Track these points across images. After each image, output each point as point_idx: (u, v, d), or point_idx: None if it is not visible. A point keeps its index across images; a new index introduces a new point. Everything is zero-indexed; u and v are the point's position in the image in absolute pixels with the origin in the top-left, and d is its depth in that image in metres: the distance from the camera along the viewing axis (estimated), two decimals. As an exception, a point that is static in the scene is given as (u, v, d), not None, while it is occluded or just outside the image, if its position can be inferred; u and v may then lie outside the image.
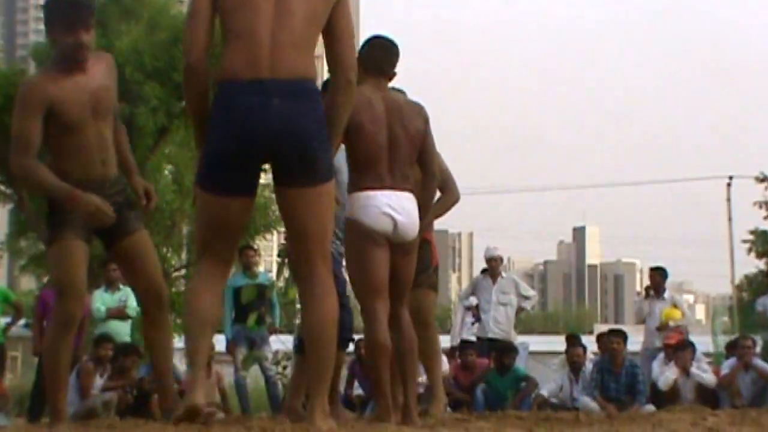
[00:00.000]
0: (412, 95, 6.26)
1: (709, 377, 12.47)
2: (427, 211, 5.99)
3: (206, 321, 4.77)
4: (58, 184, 5.48)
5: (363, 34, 6.20)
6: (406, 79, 6.56)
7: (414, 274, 5.93)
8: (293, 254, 4.87)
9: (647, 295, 14.25)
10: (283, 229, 28.87)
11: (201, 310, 4.77)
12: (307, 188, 4.60)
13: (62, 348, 5.71)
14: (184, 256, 27.83)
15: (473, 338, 13.61)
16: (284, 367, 15.72)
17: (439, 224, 7.34)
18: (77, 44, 5.49)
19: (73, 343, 5.89)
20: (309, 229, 4.64)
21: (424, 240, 6.60)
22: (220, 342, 13.64)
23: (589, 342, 14.39)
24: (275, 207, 26.29)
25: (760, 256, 32.94)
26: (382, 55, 5.59)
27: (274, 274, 11.36)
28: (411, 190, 5.78)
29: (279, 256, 9.68)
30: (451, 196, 6.93)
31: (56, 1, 5.58)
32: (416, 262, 5.96)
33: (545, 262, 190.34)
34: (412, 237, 5.80)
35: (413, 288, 6.11)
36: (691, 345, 12.83)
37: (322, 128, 4.64)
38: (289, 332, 16.54)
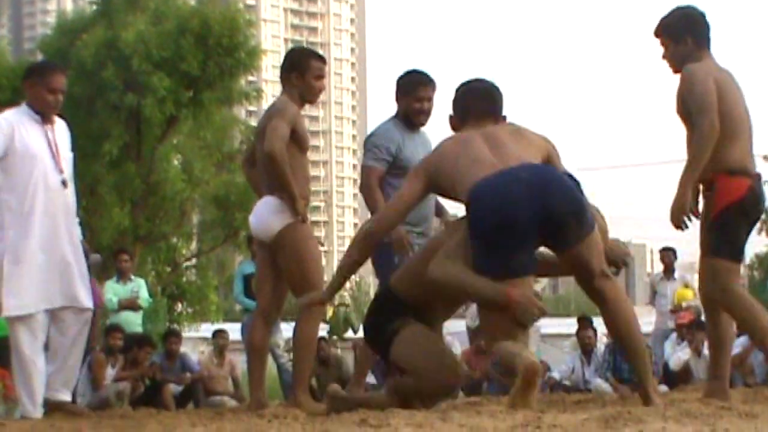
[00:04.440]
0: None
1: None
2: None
3: None
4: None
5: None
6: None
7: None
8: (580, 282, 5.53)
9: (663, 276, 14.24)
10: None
11: None
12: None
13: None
14: (194, 245, 27.83)
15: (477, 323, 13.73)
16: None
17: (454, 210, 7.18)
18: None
19: None
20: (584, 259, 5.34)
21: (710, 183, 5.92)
22: (234, 331, 13.68)
23: (600, 324, 14.37)
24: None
25: (771, 235, 32.88)
26: None
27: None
28: (272, 194, 6.43)
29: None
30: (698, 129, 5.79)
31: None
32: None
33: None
34: (264, 236, 6.44)
35: (702, 257, 5.94)
36: (702, 325, 12.80)
37: None
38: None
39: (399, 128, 7.05)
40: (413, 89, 7.07)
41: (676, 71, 6.01)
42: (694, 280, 15.50)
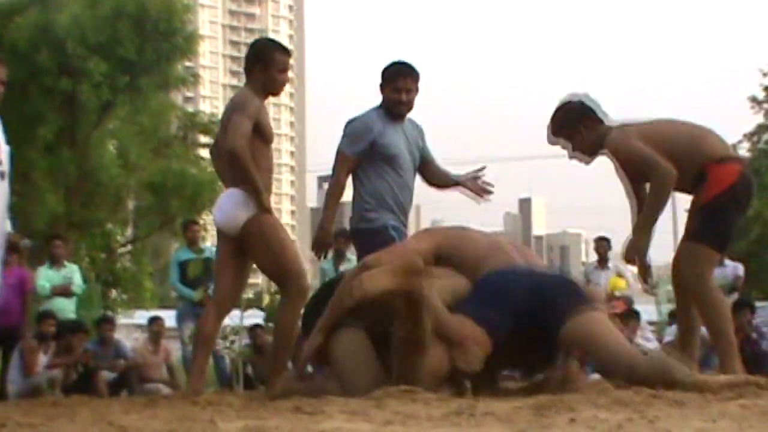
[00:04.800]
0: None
1: (653, 346, 12.59)
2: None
3: None
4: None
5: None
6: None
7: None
8: None
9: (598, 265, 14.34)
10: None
11: None
12: None
13: None
14: (129, 232, 27.66)
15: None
16: (231, 342, 15.67)
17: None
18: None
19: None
20: None
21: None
22: (169, 318, 13.62)
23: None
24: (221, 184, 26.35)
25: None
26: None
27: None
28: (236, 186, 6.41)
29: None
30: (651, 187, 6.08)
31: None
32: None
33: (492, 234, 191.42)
34: (229, 229, 6.41)
35: (683, 240, 6.01)
36: (636, 314, 12.95)
37: None
38: (237, 307, 16.46)
39: (381, 117, 7.07)
40: (392, 79, 7.08)
41: (592, 155, 6.25)
42: (628, 269, 15.69)
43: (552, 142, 6.37)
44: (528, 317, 5.21)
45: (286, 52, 6.73)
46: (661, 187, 5.92)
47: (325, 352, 5.44)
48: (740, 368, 5.88)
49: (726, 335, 5.93)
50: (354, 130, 7.04)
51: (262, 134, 6.48)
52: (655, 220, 6.06)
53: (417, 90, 7.14)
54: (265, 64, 6.58)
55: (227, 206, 6.46)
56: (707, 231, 5.88)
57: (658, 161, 5.87)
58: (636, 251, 6.12)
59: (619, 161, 6.04)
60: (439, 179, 7.41)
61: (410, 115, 7.25)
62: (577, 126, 6.22)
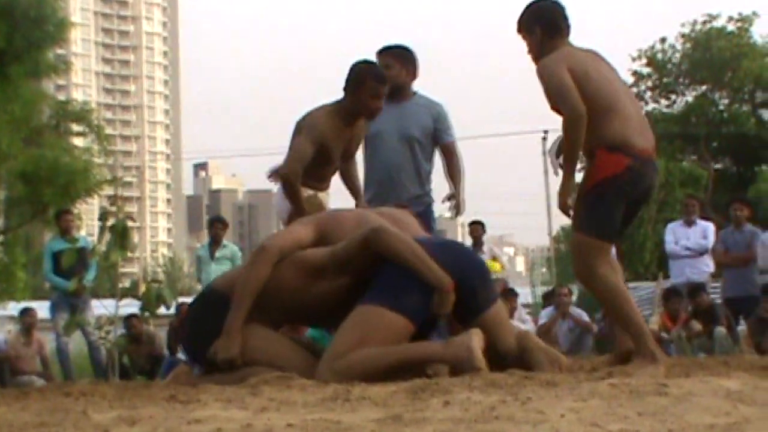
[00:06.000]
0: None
1: (529, 327, 12.80)
2: None
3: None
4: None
5: None
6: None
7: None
8: None
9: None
10: (104, 192, 28.20)
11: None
12: None
13: None
14: (0, 222, 27.12)
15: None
16: (107, 332, 15.47)
17: (266, 184, 7.41)
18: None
19: None
20: None
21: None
22: (42, 309, 13.40)
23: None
24: (96, 171, 25.95)
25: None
26: None
27: (95, 238, 11.16)
28: None
29: (100, 219, 9.51)
30: None
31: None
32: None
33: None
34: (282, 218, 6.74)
35: (572, 230, 5.96)
36: (514, 293, 13.15)
37: None
38: (112, 296, 16.23)
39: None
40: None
41: (536, 63, 5.96)
42: (503, 252, 15.85)
43: (517, 33, 6.17)
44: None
45: (381, 80, 6.72)
46: (569, 125, 5.65)
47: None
48: (657, 349, 5.73)
49: (632, 320, 5.73)
50: None
51: (324, 156, 6.64)
52: (570, 161, 5.78)
53: (403, 67, 7.34)
54: (357, 87, 6.64)
55: (279, 197, 6.82)
56: (588, 221, 5.73)
57: (569, 98, 5.65)
58: (561, 195, 5.83)
59: (542, 84, 5.78)
60: (449, 172, 7.66)
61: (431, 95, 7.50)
62: (533, 27, 6.03)
